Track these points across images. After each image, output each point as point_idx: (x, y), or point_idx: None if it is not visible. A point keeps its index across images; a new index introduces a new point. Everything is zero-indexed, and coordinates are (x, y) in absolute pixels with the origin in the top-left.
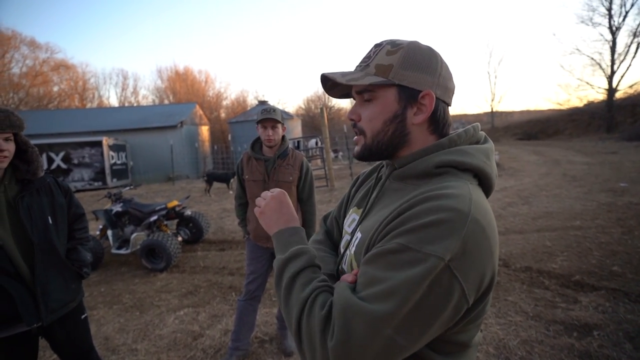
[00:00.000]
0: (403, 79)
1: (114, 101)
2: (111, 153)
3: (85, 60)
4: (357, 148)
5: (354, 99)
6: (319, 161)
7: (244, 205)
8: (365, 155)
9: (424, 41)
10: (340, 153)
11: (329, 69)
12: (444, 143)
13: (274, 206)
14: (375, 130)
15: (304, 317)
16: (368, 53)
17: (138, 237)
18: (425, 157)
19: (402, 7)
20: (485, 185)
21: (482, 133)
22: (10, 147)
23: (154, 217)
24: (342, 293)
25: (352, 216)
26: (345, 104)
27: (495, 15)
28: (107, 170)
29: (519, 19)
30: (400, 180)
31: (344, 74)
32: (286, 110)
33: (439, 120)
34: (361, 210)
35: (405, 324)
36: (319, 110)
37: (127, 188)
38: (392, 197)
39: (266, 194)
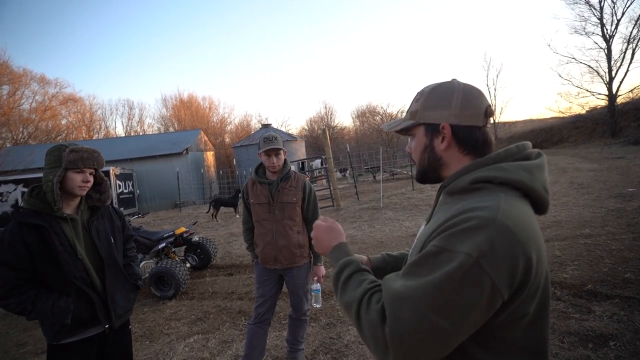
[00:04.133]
0: (425, 118)
1: (120, 131)
2: (118, 182)
3: (93, 93)
4: (416, 174)
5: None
6: (324, 181)
7: (251, 230)
8: (419, 179)
9: (425, 58)
10: (348, 171)
11: (329, 91)
12: (482, 161)
13: (322, 231)
14: (418, 159)
15: (362, 311)
16: (410, 102)
17: (146, 265)
18: (465, 174)
19: (399, 29)
20: (532, 197)
21: (534, 151)
22: (92, 179)
23: (162, 245)
24: (390, 286)
25: (421, 227)
26: (347, 123)
27: (490, 28)
28: (115, 200)
29: (514, 31)
30: (450, 195)
31: (389, 124)
32: (290, 132)
33: (464, 142)
34: (425, 221)
35: (446, 310)
36: (321, 130)
37: (135, 216)
38: (443, 210)
39: (317, 222)
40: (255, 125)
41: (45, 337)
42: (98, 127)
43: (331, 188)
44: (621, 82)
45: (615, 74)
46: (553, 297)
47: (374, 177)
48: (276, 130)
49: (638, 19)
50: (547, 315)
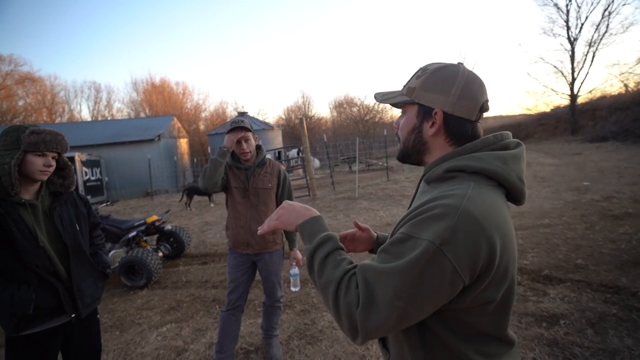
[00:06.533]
0: (421, 99)
1: (86, 115)
2: (84, 169)
3: (54, 73)
4: (398, 152)
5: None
6: (300, 171)
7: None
8: (400, 157)
9: (402, 52)
10: (317, 162)
11: (307, 81)
12: (459, 151)
13: (286, 209)
14: (404, 138)
15: (341, 292)
16: (410, 76)
17: (116, 254)
18: (441, 163)
19: (378, 22)
20: (507, 187)
21: (513, 141)
22: (54, 164)
23: (133, 233)
24: (364, 271)
25: None
26: (324, 114)
27: (466, 25)
28: (81, 187)
29: (489, 29)
30: (428, 183)
31: (384, 94)
32: (266, 120)
33: (453, 133)
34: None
35: (410, 296)
36: (299, 120)
37: (103, 204)
38: (420, 197)
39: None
40: (231, 113)
41: (3, 329)
42: (61, 110)
43: (307, 178)
44: (582, 83)
45: (577, 74)
46: None
47: (350, 167)
48: (252, 118)
49: (599, 24)
50: (511, 303)
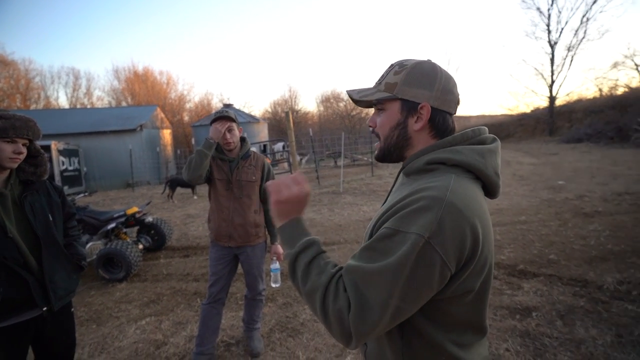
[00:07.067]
0: (405, 94)
1: (64, 103)
2: (61, 158)
3: (29, 57)
4: (377, 152)
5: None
6: (285, 165)
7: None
8: (381, 157)
9: (389, 49)
10: (306, 157)
11: (295, 75)
12: (439, 144)
13: (290, 202)
14: (385, 135)
15: (329, 298)
16: (382, 73)
17: (94, 246)
18: (422, 156)
19: (366, 19)
20: (483, 180)
21: (489, 136)
22: (25, 151)
23: (112, 225)
24: (351, 272)
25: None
26: (311, 108)
27: (452, 23)
28: (57, 177)
29: (475, 29)
30: (407, 175)
31: (360, 91)
32: (252, 113)
33: (438, 127)
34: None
35: (404, 293)
36: (285, 113)
37: (81, 195)
38: (400, 190)
39: (288, 183)
40: (217, 104)
41: None
42: (36, 96)
43: (292, 172)
44: (560, 86)
45: (556, 77)
46: None
47: (335, 162)
48: (238, 110)
49: (577, 29)
50: (488, 292)
